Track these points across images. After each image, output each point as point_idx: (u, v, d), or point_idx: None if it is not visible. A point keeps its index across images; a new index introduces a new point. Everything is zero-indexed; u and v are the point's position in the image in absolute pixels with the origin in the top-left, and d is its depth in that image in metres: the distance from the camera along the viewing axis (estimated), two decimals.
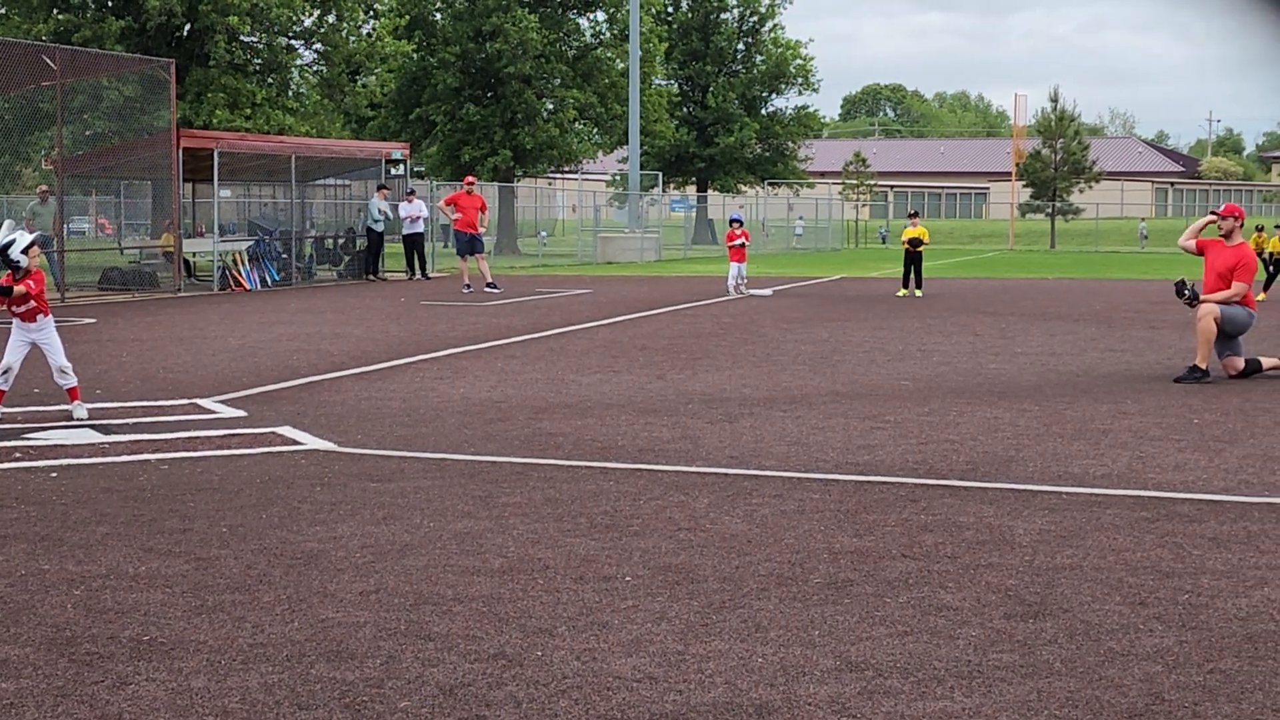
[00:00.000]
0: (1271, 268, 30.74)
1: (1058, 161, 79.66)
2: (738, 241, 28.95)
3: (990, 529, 7.77)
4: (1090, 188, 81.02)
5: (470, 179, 33.89)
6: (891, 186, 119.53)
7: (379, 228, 35.22)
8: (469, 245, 31.25)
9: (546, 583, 6.70)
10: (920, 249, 29.54)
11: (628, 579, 6.76)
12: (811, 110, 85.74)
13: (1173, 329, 21.05)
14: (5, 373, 11.27)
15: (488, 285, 30.24)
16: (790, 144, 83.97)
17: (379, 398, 13.15)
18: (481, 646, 5.70)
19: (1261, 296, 26.22)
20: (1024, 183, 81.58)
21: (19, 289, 11.41)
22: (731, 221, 29.76)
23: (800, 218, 78.13)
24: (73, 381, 11.78)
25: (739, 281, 29.01)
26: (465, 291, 29.55)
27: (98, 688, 5.21)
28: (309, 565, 6.99)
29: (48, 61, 27.95)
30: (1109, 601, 6.31)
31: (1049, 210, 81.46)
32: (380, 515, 8.10)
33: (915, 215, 31.41)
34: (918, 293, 29.26)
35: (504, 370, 15.44)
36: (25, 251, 11.47)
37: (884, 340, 19.12)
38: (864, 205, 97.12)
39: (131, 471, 9.49)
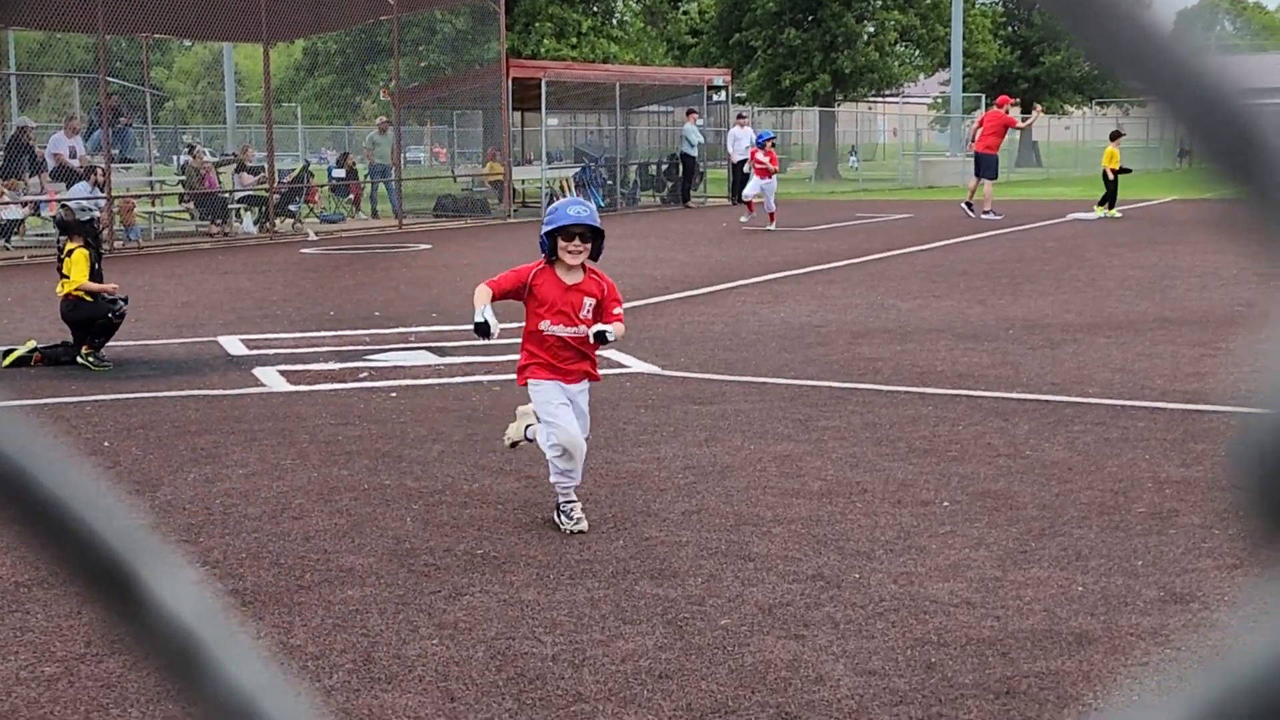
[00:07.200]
0: None
1: None
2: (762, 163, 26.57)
3: None
4: None
5: (1002, 98, 31.70)
6: None
7: (693, 153, 35.42)
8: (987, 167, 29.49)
9: (864, 506, 6.75)
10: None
11: (946, 504, 6.76)
12: None
13: None
14: None
15: (985, 212, 28.51)
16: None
17: (701, 322, 13.34)
18: (800, 567, 5.79)
19: None
20: None
21: None
22: (764, 141, 26.97)
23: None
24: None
25: (758, 198, 26.62)
26: (992, 216, 28.33)
27: (435, 597, 5.50)
28: (633, 485, 7.19)
29: None
30: None
31: None
32: (702, 437, 8.26)
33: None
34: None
35: (823, 295, 15.46)
36: None
37: (1217, 264, 18.40)
38: None
39: (465, 392, 9.89)
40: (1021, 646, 4.89)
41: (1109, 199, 28.79)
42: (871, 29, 60.05)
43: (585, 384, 6.54)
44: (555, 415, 6.33)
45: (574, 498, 6.47)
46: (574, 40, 42.25)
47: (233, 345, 12.11)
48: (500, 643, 5.01)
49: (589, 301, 6.45)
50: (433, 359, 11.33)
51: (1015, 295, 15.24)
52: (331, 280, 17.93)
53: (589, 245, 6.44)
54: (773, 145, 26.91)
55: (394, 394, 9.87)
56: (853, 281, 16.95)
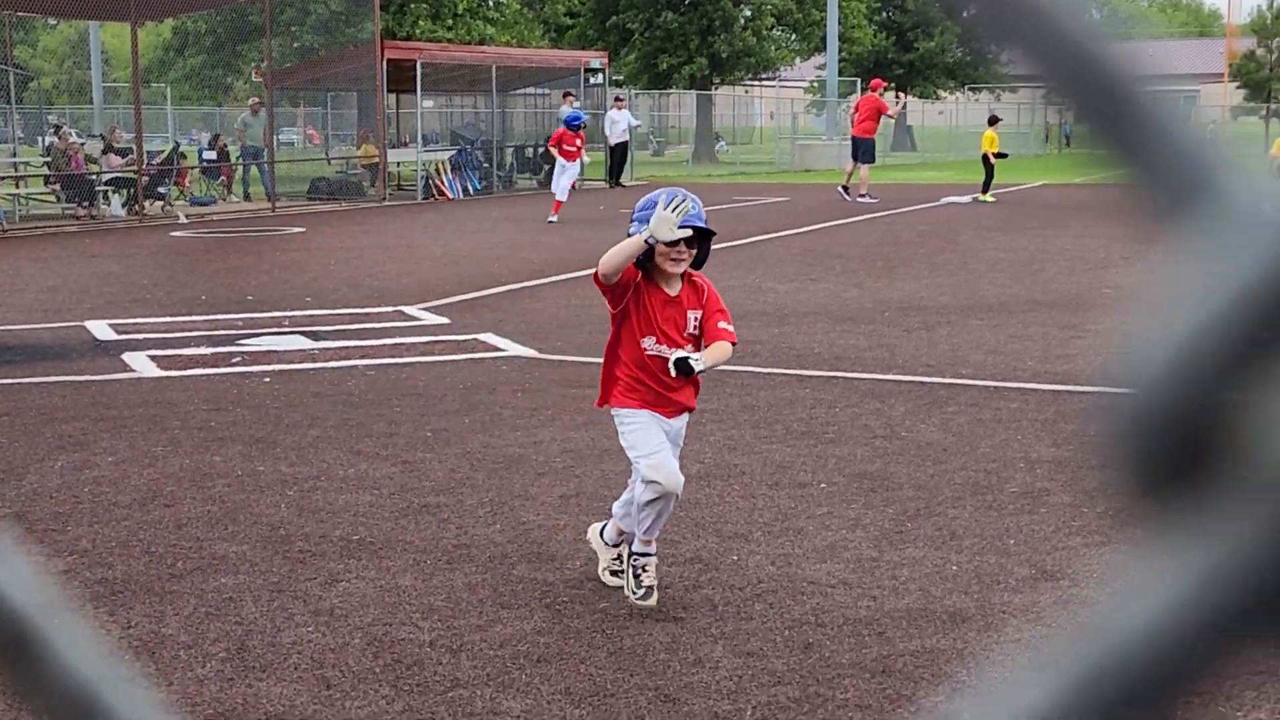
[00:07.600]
0: None
1: (1274, 62, 76.75)
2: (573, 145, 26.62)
3: None
4: None
5: (876, 82, 31.82)
6: None
7: None
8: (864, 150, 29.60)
9: (742, 488, 6.78)
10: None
11: (823, 486, 6.81)
12: None
13: None
14: None
15: (860, 196, 28.58)
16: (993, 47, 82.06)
17: (579, 305, 13.31)
18: (679, 550, 5.81)
19: None
20: (1237, 84, 78.82)
21: None
22: (576, 124, 26.78)
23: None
24: None
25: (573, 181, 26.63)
26: (868, 200, 28.15)
27: (310, 584, 5.44)
28: (510, 469, 7.17)
29: None
30: None
31: (1264, 113, 78.61)
32: (580, 420, 8.25)
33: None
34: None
35: None
36: None
37: (1087, 248, 18.73)
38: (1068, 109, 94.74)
39: (340, 377, 9.79)
40: (897, 625, 4.94)
41: (987, 183, 29.22)
42: (748, 13, 60.32)
43: (685, 418, 5.43)
44: (656, 451, 5.14)
45: (653, 552, 5.24)
46: (450, 22, 41.99)
47: (101, 330, 11.89)
48: (377, 629, 4.97)
49: (692, 316, 5.29)
50: (307, 343, 11.20)
51: (891, 278, 15.40)
52: (203, 264, 17.67)
53: (694, 250, 5.25)
54: (583, 127, 26.74)
55: (267, 379, 9.74)
56: (730, 265, 17.02)
